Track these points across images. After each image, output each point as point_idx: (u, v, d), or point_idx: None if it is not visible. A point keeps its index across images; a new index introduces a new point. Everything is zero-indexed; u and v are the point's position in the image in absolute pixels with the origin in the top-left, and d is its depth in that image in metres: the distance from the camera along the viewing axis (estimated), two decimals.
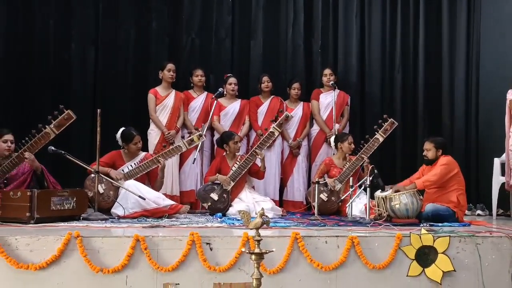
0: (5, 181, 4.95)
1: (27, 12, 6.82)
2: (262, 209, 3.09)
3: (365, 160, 5.87)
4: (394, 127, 6.10)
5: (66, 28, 6.90)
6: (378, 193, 5.13)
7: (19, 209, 4.44)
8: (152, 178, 5.63)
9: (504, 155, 6.01)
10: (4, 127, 5.33)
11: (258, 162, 5.94)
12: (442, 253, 4.03)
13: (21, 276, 3.61)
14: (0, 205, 4.58)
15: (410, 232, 4.08)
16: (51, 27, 6.86)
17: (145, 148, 6.02)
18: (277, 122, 5.95)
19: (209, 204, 5.66)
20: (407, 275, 3.99)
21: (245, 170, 5.81)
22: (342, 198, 5.89)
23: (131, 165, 5.48)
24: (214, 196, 5.67)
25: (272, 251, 3.22)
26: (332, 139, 6.30)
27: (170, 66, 6.35)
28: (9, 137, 5.06)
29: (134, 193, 5.08)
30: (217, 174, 5.83)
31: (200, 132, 5.77)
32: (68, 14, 6.91)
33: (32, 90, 6.78)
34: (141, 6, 7.09)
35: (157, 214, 5.13)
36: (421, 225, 4.74)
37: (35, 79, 6.81)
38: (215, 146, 6.40)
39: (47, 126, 4.94)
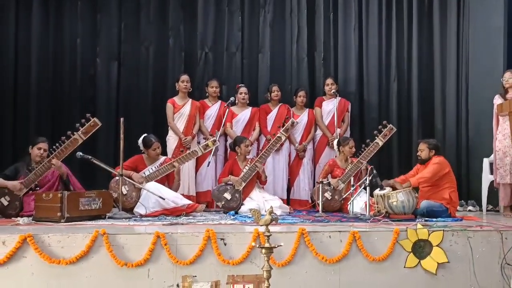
0: (36, 184, 4.99)
1: (58, 32, 6.88)
2: (271, 207, 3.08)
3: (364, 164, 5.85)
4: (392, 132, 6.06)
5: (91, 45, 6.94)
6: (377, 192, 5.11)
7: (51, 209, 4.45)
8: (171, 180, 5.63)
9: (492, 156, 5.97)
10: (38, 135, 5.39)
11: (268, 163, 5.93)
12: (436, 246, 4.00)
13: (53, 270, 3.62)
14: (34, 206, 4.61)
15: (407, 227, 4.06)
16: (78, 45, 6.90)
17: (164, 152, 6.03)
18: (283, 128, 5.94)
19: (223, 203, 5.65)
20: (404, 267, 3.97)
21: (255, 172, 5.79)
22: (344, 197, 5.86)
23: (152, 168, 5.48)
24: (227, 195, 5.66)
25: (281, 245, 3.19)
26: (335, 142, 6.28)
27: (184, 77, 6.36)
28: (43, 145, 5.12)
29: (154, 194, 5.08)
30: (230, 175, 5.83)
31: (214, 138, 5.77)
32: (93, 33, 6.95)
33: (62, 102, 6.83)
34: (160, 25, 7.12)
35: (175, 212, 5.12)
36: (417, 220, 4.70)
37: (65, 92, 6.86)
38: (228, 150, 6.39)
39: (75, 133, 4.98)
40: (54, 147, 4.96)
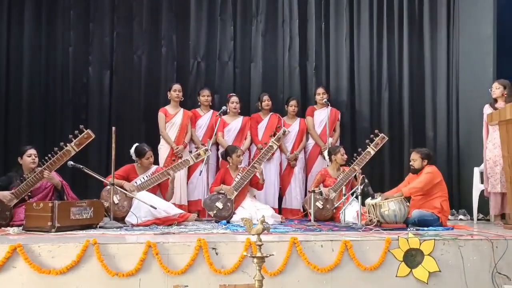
0: (29, 194, 4.96)
1: (50, 41, 6.87)
2: (263, 216, 3.08)
3: (357, 172, 5.87)
4: (384, 141, 6.08)
5: (84, 54, 6.94)
6: (368, 201, 5.12)
7: (42, 219, 4.41)
8: (163, 189, 5.62)
9: (482, 165, 6.01)
10: (30, 144, 5.37)
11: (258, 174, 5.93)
12: (428, 255, 4.01)
13: (43, 281, 3.58)
14: (24, 216, 4.58)
15: (398, 236, 4.07)
16: (71, 53, 6.90)
17: (156, 162, 6.01)
18: (275, 137, 5.95)
19: (215, 212, 5.64)
20: (396, 276, 3.97)
21: (247, 180, 5.80)
22: (336, 206, 5.87)
23: (143, 178, 5.47)
24: (219, 204, 5.65)
25: (273, 254, 3.19)
26: (325, 152, 6.29)
27: (176, 87, 6.37)
28: (32, 151, 5.12)
29: (146, 203, 5.06)
30: (222, 184, 5.82)
31: (206, 147, 5.76)
32: (86, 42, 6.95)
33: (54, 110, 6.82)
34: (152, 34, 7.13)
35: (167, 222, 5.10)
36: (408, 229, 4.72)
37: (58, 100, 6.84)
38: (220, 159, 6.39)
39: (68, 144, 4.95)
40: (46, 158, 4.92)
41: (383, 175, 7.23)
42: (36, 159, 5.09)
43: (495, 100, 5.88)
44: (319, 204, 5.89)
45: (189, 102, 6.75)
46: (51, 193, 5.10)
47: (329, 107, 6.60)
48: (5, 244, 3.61)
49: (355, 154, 6.01)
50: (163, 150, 6.29)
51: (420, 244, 4.02)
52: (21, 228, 4.54)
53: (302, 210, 6.46)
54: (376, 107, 7.41)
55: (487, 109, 5.87)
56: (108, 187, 5.14)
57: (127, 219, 5.16)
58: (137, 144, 5.63)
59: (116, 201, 5.18)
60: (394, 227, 4.83)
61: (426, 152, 5.43)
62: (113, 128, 5.11)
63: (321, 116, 6.72)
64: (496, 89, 5.85)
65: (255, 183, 5.93)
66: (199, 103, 6.60)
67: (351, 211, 5.49)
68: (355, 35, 7.45)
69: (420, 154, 5.35)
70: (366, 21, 7.45)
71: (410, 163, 5.42)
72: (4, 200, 4.81)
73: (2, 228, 4.68)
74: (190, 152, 6.18)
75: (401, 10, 7.49)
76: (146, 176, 5.47)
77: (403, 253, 3.99)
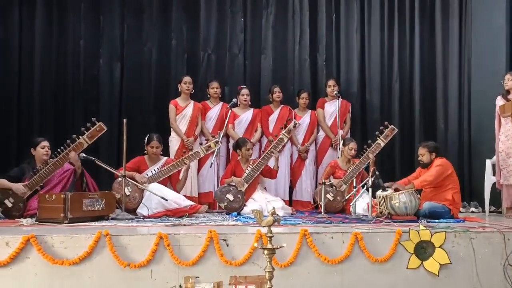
0: (41, 185, 5.00)
1: (61, 34, 6.90)
2: (274, 208, 3.08)
3: (372, 159, 5.83)
4: (394, 133, 6.05)
5: (95, 46, 6.97)
6: (379, 193, 5.10)
7: (54, 210, 4.45)
8: (174, 181, 5.64)
9: (494, 157, 5.96)
10: (42, 136, 5.42)
11: (271, 163, 5.92)
12: (439, 247, 3.99)
13: (56, 271, 3.62)
14: (38, 207, 4.62)
15: (409, 228, 4.05)
16: (81, 46, 6.93)
17: (166, 154, 6.03)
18: (286, 129, 5.94)
19: (225, 204, 5.65)
20: (407, 268, 3.96)
21: (258, 172, 5.80)
22: (346, 198, 5.86)
23: (154, 170, 5.49)
24: (230, 196, 5.66)
25: (283, 246, 3.19)
26: (341, 144, 6.28)
27: (186, 79, 6.37)
28: (45, 143, 5.17)
29: (157, 195, 5.09)
30: (232, 176, 5.83)
31: (217, 139, 5.77)
32: (96, 34, 6.98)
33: (65, 102, 6.86)
34: (162, 26, 7.14)
35: (178, 213, 5.13)
36: (419, 221, 4.70)
37: (69, 92, 6.89)
38: (230, 151, 6.40)
39: (80, 137, 4.99)
40: (59, 150, 4.96)
41: (394, 167, 7.21)
42: (49, 151, 5.14)
43: (508, 92, 5.82)
44: (330, 196, 5.89)
45: (199, 94, 6.75)
46: (67, 180, 5.08)
47: (340, 99, 6.58)
48: (18, 235, 3.65)
49: (365, 146, 6.00)
50: (174, 142, 6.31)
51: (431, 236, 4.01)
52: (34, 218, 4.60)
53: (312, 202, 6.46)
54: (387, 99, 7.39)
55: (499, 101, 5.82)
56: (120, 179, 5.17)
57: (138, 210, 5.19)
58: (153, 133, 5.66)
59: (127, 193, 5.22)
60: (405, 219, 4.81)
61: (433, 145, 5.40)
62: (124, 120, 5.13)
63: (332, 108, 6.71)
64: (509, 81, 5.78)
65: (268, 172, 5.91)
66: (208, 95, 6.60)
67: (361, 203, 5.48)
68: (366, 26, 7.42)
69: (427, 148, 5.33)
70: (377, 12, 7.41)
71: (419, 159, 5.39)
72: (18, 192, 4.86)
73: (16, 219, 4.73)
74: (201, 144, 6.19)
75: (412, 0, 7.43)
76: (157, 168, 5.49)
77: (414, 245, 3.97)
